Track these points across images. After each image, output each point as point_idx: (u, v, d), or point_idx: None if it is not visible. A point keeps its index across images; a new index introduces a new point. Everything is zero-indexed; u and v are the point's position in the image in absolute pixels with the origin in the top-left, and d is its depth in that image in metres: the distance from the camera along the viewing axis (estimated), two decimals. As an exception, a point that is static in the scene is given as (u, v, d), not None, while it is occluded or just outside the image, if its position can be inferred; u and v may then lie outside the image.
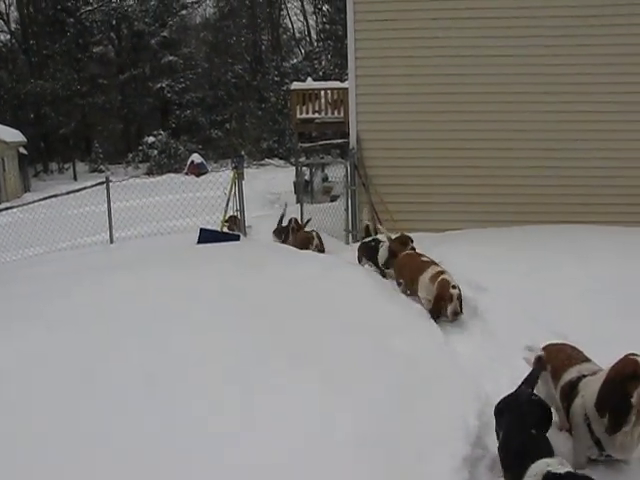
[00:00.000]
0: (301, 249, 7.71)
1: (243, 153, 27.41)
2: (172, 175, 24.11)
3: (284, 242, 9.24)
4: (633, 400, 2.97)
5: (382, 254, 7.22)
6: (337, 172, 12.72)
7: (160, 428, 3.29)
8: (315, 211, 11.27)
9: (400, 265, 6.52)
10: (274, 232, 10.04)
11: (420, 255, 6.41)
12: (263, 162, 31.10)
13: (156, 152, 31.57)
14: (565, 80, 9.30)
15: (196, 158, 27.00)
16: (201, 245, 8.44)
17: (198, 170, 25.16)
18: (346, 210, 9.66)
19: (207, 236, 8.73)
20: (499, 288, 5.73)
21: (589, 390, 3.26)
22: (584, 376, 3.42)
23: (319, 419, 3.43)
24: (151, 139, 32.55)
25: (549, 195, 9.47)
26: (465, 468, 3.27)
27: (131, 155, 33.71)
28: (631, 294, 5.40)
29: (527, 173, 9.49)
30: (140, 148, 33.22)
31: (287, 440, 3.22)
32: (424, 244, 7.14)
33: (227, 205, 9.20)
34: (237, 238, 8.84)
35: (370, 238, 8.05)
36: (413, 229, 8.28)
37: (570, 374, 3.50)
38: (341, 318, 4.91)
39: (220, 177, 15.45)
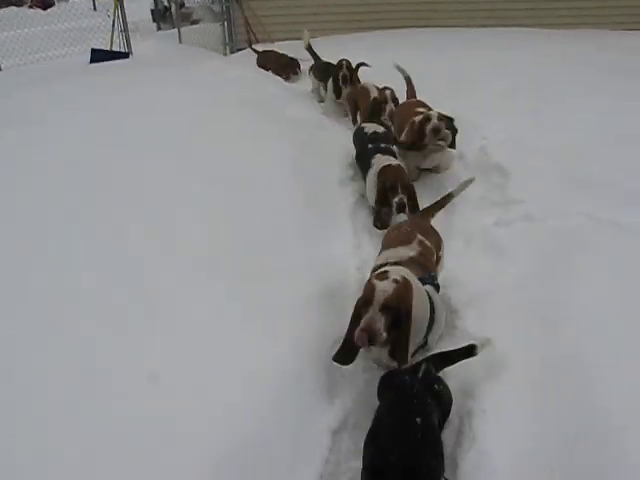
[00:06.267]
0: (369, 116, 5.78)
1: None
2: (15, 9, 22.80)
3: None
4: None
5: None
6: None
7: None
8: (187, 32, 12.16)
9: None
10: (312, 70, 7.72)
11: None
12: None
13: (-11, -16, 29.18)
14: None
15: (40, -12, 25.49)
16: (94, 64, 9.28)
17: (44, 2, 24.05)
18: (222, 25, 10.68)
19: (99, 56, 9.53)
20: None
21: None
22: None
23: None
24: (-20, -32, 29.81)
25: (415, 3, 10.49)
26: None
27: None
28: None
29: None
30: (-33, -21, 30.37)
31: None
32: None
33: (113, 27, 9.99)
34: (127, 56, 9.77)
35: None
36: (286, 38, 9.59)
37: None
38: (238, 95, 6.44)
39: (72, 9, 14.99)
